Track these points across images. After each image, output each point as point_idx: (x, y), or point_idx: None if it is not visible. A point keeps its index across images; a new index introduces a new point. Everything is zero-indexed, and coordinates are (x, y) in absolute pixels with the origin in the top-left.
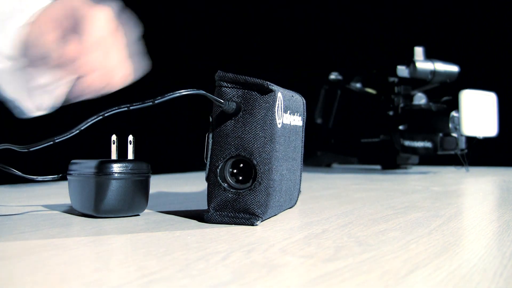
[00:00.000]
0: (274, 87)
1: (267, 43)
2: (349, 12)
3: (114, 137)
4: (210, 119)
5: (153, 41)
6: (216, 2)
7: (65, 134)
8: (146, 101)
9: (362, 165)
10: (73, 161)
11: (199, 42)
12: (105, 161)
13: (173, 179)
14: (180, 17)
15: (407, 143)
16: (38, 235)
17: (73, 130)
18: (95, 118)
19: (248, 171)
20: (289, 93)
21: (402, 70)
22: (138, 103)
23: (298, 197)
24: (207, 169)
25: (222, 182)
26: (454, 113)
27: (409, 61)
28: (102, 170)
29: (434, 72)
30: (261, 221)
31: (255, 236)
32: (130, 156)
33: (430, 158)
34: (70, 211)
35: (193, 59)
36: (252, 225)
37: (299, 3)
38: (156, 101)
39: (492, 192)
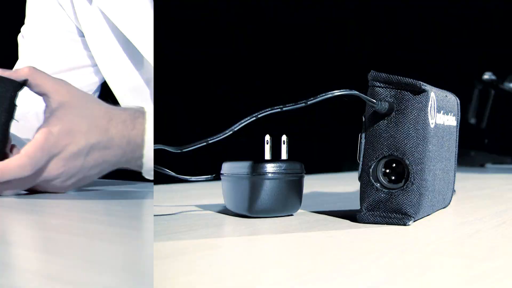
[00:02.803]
0: (427, 87)
1: (425, 41)
2: None
3: (267, 137)
4: (363, 119)
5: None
6: None
7: (219, 135)
8: (299, 102)
9: None
10: (226, 161)
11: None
12: (259, 161)
13: (325, 179)
14: None
15: None
16: (192, 235)
17: (227, 131)
18: (248, 119)
19: (401, 171)
20: (443, 93)
21: None
22: (291, 104)
23: (451, 197)
24: (359, 169)
25: (375, 182)
26: None
27: None
28: (256, 170)
29: None
30: (413, 221)
31: (408, 236)
32: (284, 156)
33: None
34: (224, 211)
35: (343, 58)
36: (405, 225)
37: None
38: (308, 102)
39: None
